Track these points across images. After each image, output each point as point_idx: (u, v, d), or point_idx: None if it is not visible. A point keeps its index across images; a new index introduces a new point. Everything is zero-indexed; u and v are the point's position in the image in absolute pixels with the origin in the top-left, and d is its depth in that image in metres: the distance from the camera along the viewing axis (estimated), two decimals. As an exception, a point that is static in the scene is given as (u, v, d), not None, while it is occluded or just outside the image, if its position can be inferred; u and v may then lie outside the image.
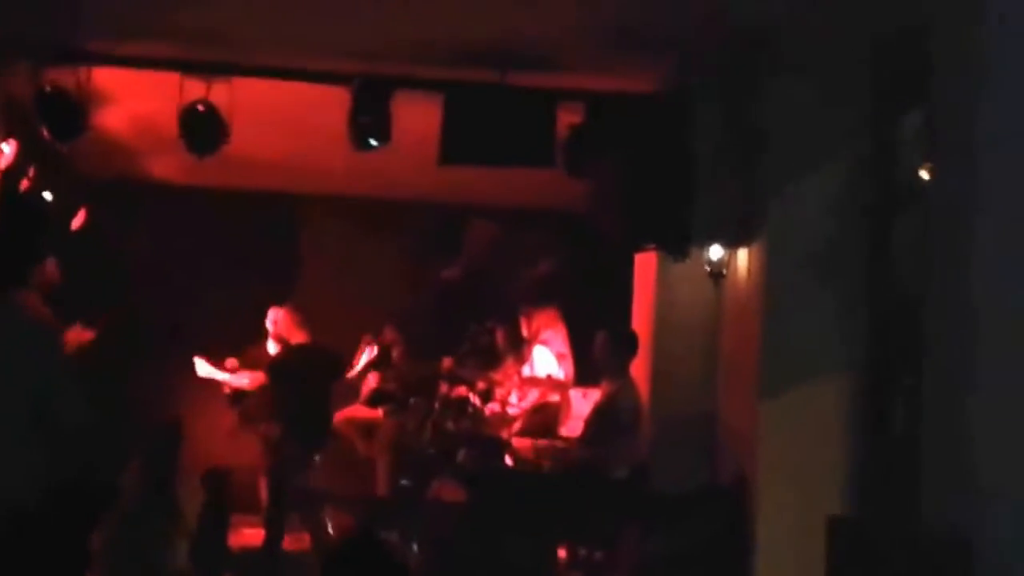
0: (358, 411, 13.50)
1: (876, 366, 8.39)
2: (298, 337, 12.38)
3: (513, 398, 11.79)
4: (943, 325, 6.60)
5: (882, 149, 8.53)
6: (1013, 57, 6.17)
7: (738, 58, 9.60)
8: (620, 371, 10.28)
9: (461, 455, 11.32)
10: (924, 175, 7.41)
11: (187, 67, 10.41)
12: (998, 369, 6.05)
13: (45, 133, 10.48)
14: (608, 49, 9.93)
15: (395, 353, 13.79)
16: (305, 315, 12.56)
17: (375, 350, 13.68)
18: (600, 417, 10.17)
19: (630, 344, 10.45)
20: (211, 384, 12.70)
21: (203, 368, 12.51)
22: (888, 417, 8.15)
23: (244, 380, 12.41)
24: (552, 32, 9.70)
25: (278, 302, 12.72)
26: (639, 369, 10.51)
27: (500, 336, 12.53)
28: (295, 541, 12.32)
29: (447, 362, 12.60)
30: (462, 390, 12.20)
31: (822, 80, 8.77)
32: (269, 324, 12.49)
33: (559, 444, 10.99)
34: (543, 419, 11.50)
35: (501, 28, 9.68)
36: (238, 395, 12.62)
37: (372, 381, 13.64)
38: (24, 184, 11.14)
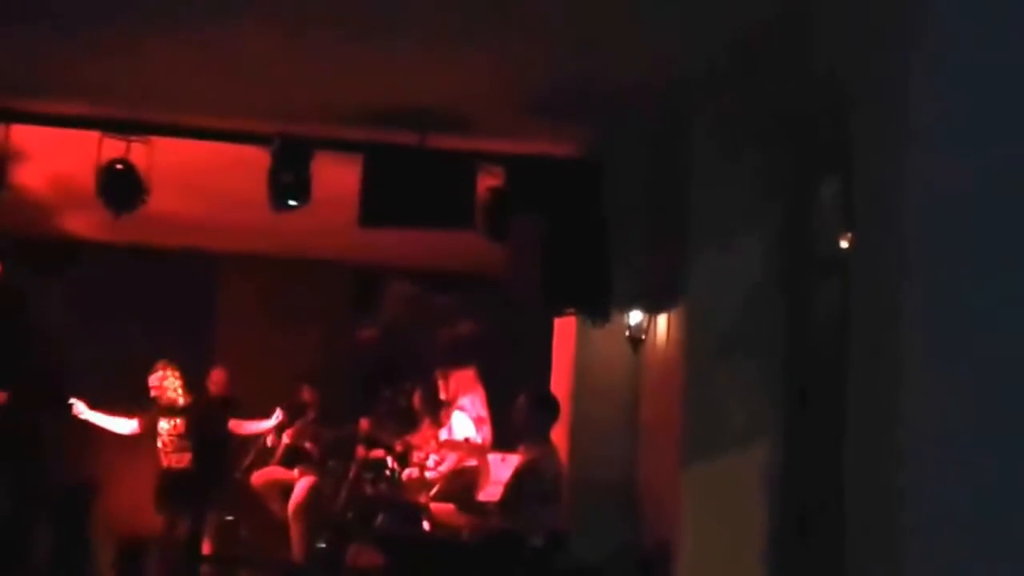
0: (276, 472, 13.38)
1: (797, 434, 8.39)
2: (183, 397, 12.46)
3: (431, 462, 11.69)
4: (865, 393, 6.60)
5: (801, 217, 8.55)
6: (935, 128, 6.21)
7: (659, 124, 9.63)
8: (541, 436, 10.00)
9: (379, 520, 11.22)
10: (843, 244, 7.43)
11: (106, 126, 10.35)
12: (922, 440, 6.04)
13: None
14: (528, 114, 9.94)
15: (311, 414, 13.71)
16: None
17: (281, 414, 13.57)
18: (521, 483, 9.95)
19: (552, 408, 10.17)
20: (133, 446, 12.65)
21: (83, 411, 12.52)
22: (809, 486, 8.14)
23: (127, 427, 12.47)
24: (472, 96, 9.70)
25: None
26: (558, 434, 10.42)
27: (417, 398, 12.45)
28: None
29: (364, 424, 12.51)
30: (379, 453, 12.11)
31: (742, 148, 8.79)
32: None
33: (477, 511, 10.90)
34: (461, 484, 11.38)
35: (421, 91, 9.68)
36: None
37: (286, 439, 13.54)
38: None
